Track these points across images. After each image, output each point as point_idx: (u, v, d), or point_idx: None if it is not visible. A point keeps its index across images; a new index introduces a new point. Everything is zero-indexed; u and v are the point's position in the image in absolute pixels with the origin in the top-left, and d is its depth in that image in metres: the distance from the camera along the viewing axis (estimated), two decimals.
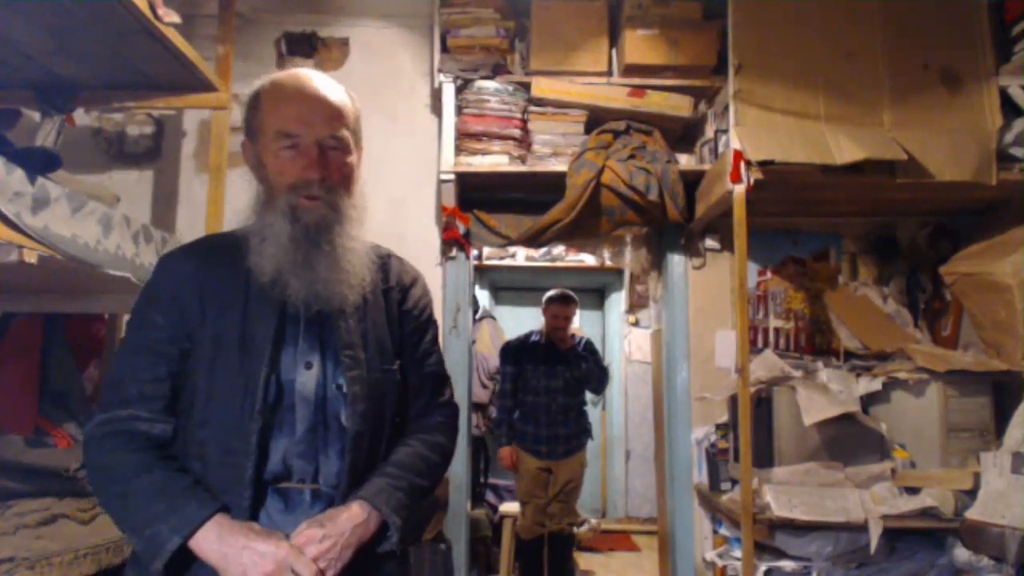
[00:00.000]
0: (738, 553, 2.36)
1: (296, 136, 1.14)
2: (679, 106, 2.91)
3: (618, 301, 5.87)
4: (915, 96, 2.49)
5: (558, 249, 5.25)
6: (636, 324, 5.59)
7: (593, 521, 4.90)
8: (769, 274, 2.98)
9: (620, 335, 5.84)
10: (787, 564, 2.26)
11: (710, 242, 3.01)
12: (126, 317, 2.66)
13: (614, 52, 3.00)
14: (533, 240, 2.88)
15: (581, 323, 6.26)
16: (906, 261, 2.98)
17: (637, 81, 2.92)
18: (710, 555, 2.66)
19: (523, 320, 5.59)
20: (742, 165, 2.29)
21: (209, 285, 1.16)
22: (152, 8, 2.04)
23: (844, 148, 2.32)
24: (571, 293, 3.90)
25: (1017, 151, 2.43)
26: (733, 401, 2.53)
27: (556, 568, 3.79)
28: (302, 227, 1.14)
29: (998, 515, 2.06)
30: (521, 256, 5.26)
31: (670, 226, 2.94)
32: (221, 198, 2.51)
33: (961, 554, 2.15)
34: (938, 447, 2.35)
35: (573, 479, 3.75)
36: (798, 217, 3.01)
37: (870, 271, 3.03)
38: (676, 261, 3.03)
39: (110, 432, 1.10)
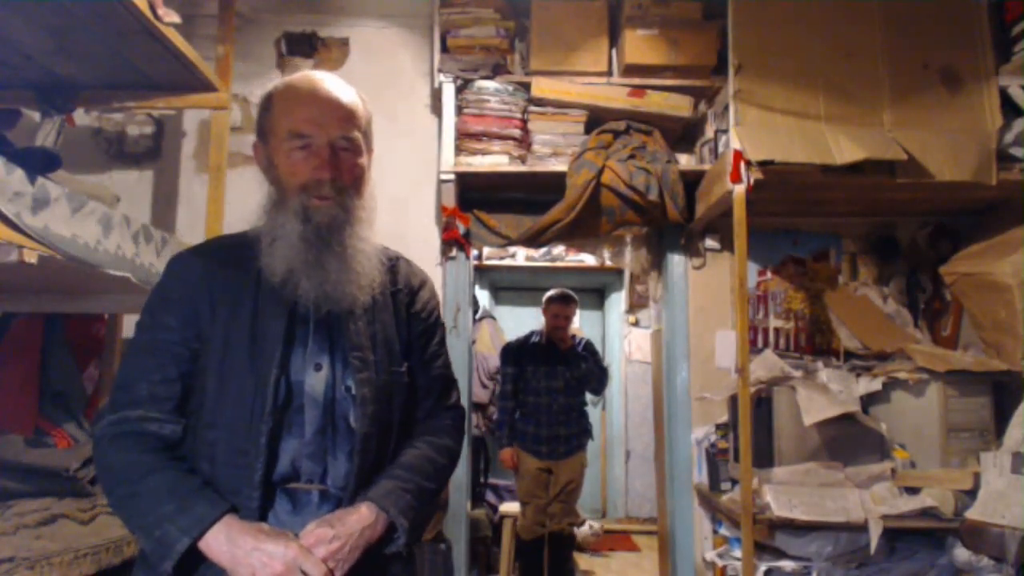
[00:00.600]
0: (738, 553, 2.36)
1: (308, 137, 1.15)
2: (679, 106, 2.91)
3: (618, 301, 5.87)
4: (915, 96, 2.49)
5: (558, 249, 5.25)
6: (636, 324, 5.59)
7: (596, 524, 4.89)
8: (769, 274, 2.98)
9: (620, 335, 5.84)
10: (787, 564, 2.26)
11: (710, 242, 3.01)
12: (126, 317, 2.68)
13: (614, 52, 3.00)
14: (533, 240, 2.88)
15: (581, 323, 6.26)
16: (906, 261, 2.98)
17: (637, 81, 2.92)
18: (710, 555, 2.66)
19: (523, 320, 5.59)
20: (742, 165, 2.29)
21: (220, 286, 1.16)
22: (152, 8, 2.04)
23: (844, 148, 2.32)
24: (571, 293, 3.90)
25: (1017, 151, 2.43)
26: (733, 401, 2.53)
27: (556, 568, 3.79)
28: (313, 227, 1.14)
29: (998, 515, 2.06)
30: (521, 256, 5.26)
31: (670, 226, 2.94)
32: (221, 198, 2.51)
33: (961, 554, 2.15)
34: (938, 447, 2.35)
35: (574, 479, 3.75)
36: (798, 217, 3.01)
37: (870, 271, 3.03)
38: (676, 261, 3.03)
39: (120, 432, 1.10)
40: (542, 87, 2.90)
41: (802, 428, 2.35)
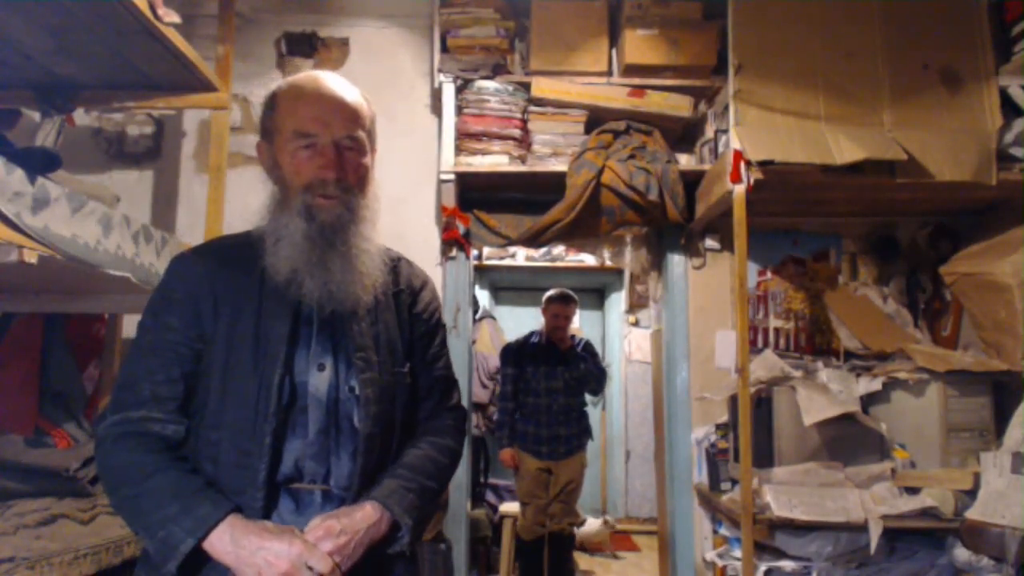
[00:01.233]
0: (738, 553, 2.36)
1: (313, 136, 1.15)
2: (679, 106, 2.91)
3: (618, 301, 5.87)
4: (915, 96, 2.49)
5: (558, 249, 5.25)
6: (636, 324, 5.59)
7: (609, 519, 4.84)
8: (769, 274, 2.98)
9: (620, 335, 5.84)
10: (787, 564, 2.26)
11: (710, 242, 3.01)
12: (126, 317, 2.68)
13: (614, 52, 3.00)
14: (533, 240, 2.88)
15: (581, 323, 6.26)
16: (906, 261, 2.98)
17: (637, 81, 2.92)
18: (710, 555, 2.66)
19: (523, 320, 5.59)
20: (742, 165, 2.29)
21: (223, 286, 1.16)
22: (152, 8, 2.04)
23: (844, 148, 2.32)
24: (571, 292, 3.90)
25: (1017, 151, 2.43)
26: (733, 401, 2.53)
27: (556, 568, 3.79)
28: (318, 226, 1.14)
29: (998, 515, 2.06)
30: (521, 256, 5.26)
31: (670, 226, 2.94)
32: (221, 198, 2.51)
33: (961, 554, 2.15)
34: (938, 447, 2.35)
35: (574, 479, 3.75)
36: (798, 217, 3.01)
37: (870, 271, 3.03)
38: (676, 261, 3.03)
39: (123, 433, 1.10)
40: (542, 87, 2.90)
41: (802, 428, 2.35)
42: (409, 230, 3.08)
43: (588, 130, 2.92)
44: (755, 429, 2.30)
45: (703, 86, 2.92)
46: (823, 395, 2.40)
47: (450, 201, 2.90)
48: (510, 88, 2.93)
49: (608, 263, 5.21)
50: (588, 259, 5.34)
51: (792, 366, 2.60)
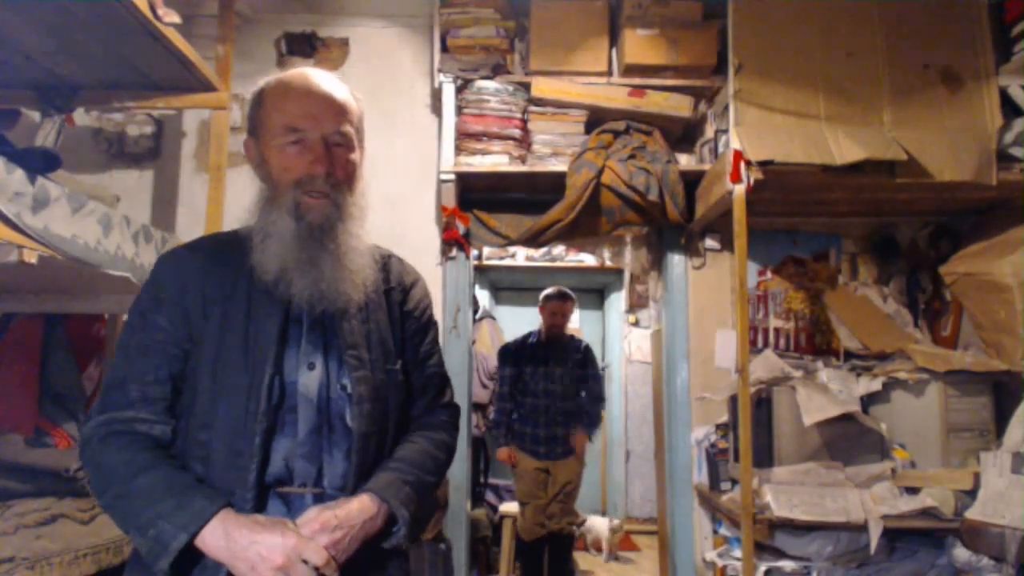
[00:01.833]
0: (738, 553, 2.36)
1: (302, 131, 1.14)
2: (679, 106, 2.91)
3: (618, 301, 5.87)
4: (915, 96, 2.49)
5: (558, 249, 5.25)
6: (636, 324, 5.58)
7: (615, 520, 4.74)
8: (769, 274, 2.98)
9: (620, 335, 5.84)
10: (787, 564, 2.26)
11: (710, 242, 3.01)
12: (126, 317, 2.68)
13: (614, 52, 3.00)
14: (533, 240, 2.88)
15: (581, 323, 6.26)
16: (906, 261, 2.98)
17: (637, 81, 2.92)
18: (710, 555, 2.66)
19: (523, 320, 5.58)
20: (742, 165, 2.29)
21: (211, 285, 1.15)
22: (152, 8, 2.04)
23: (844, 148, 2.32)
24: (568, 291, 3.90)
25: (1017, 151, 2.43)
26: (733, 401, 2.53)
27: (556, 568, 3.79)
28: (306, 225, 1.13)
29: (998, 515, 2.06)
30: (521, 256, 5.26)
31: (670, 226, 2.94)
32: (221, 198, 2.51)
33: (961, 554, 2.15)
34: (938, 447, 2.35)
35: (572, 480, 3.74)
36: (798, 217, 3.00)
37: (870, 271, 3.03)
38: (676, 261, 3.03)
39: (111, 432, 1.08)
40: (542, 87, 2.90)
41: (802, 428, 2.35)
42: (409, 230, 3.08)
43: (588, 130, 2.92)
44: (755, 429, 2.30)
45: (703, 86, 2.92)
46: (823, 395, 2.40)
47: (450, 201, 2.90)
48: (510, 88, 2.93)
49: (608, 263, 5.24)
50: (588, 259, 5.34)
51: (792, 366, 2.60)
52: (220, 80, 2.54)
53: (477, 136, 2.89)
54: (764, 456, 2.41)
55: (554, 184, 2.79)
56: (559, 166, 2.85)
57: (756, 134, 2.37)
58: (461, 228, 2.96)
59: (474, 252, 3.33)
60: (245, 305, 1.14)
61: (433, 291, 3.11)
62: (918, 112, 2.47)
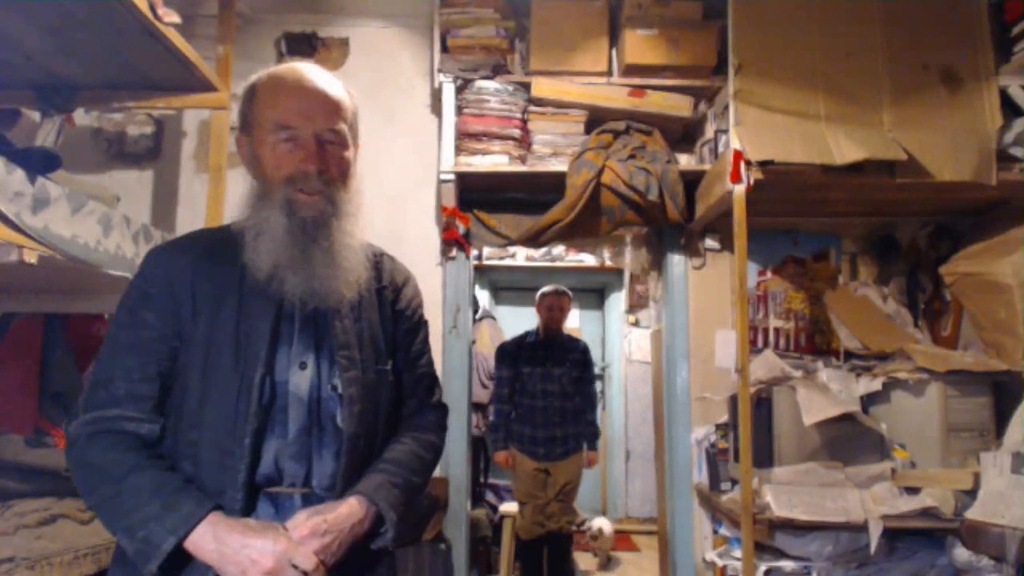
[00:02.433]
0: (738, 553, 2.36)
1: (294, 128, 1.13)
2: (679, 106, 2.91)
3: (618, 301, 5.87)
4: (915, 96, 2.49)
5: (558, 249, 5.25)
6: (636, 324, 5.59)
7: (606, 527, 4.56)
8: (769, 274, 2.98)
9: (620, 335, 5.84)
10: (787, 564, 2.26)
11: (710, 242, 3.01)
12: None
13: (614, 52, 3.00)
14: (533, 240, 2.88)
15: (581, 323, 6.26)
16: (906, 261, 2.98)
17: (637, 81, 2.92)
18: (710, 555, 2.66)
19: (523, 320, 5.58)
20: (742, 165, 2.29)
21: (202, 282, 1.13)
22: (152, 8, 2.04)
23: (844, 148, 2.32)
24: (564, 288, 3.89)
25: (1017, 151, 2.43)
26: (733, 401, 2.53)
27: (556, 568, 3.79)
28: (299, 221, 1.12)
29: (998, 515, 2.06)
30: (521, 256, 5.26)
31: (670, 226, 2.94)
32: (221, 198, 2.51)
33: (961, 554, 2.15)
34: (938, 447, 2.35)
35: (571, 480, 3.73)
36: (798, 217, 3.01)
37: (870, 271, 3.03)
38: (676, 261, 3.03)
39: (97, 432, 1.07)
40: (542, 87, 2.90)
41: (802, 428, 2.35)
42: (409, 230, 3.08)
43: (588, 130, 2.92)
44: (755, 429, 2.30)
45: (703, 86, 2.92)
46: (823, 395, 2.40)
47: (450, 201, 2.90)
48: (510, 88, 2.93)
49: (608, 263, 5.24)
50: (588, 259, 5.35)
51: (792, 366, 2.60)
52: (220, 80, 2.54)
53: (477, 136, 2.89)
54: (764, 456, 2.41)
55: (554, 184, 2.79)
56: (559, 166, 2.85)
57: (756, 134, 2.37)
58: (461, 228, 2.96)
59: (474, 252, 3.33)
60: (236, 303, 1.12)
61: (433, 291, 3.14)
62: (918, 112, 2.47)
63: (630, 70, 2.91)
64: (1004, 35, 2.51)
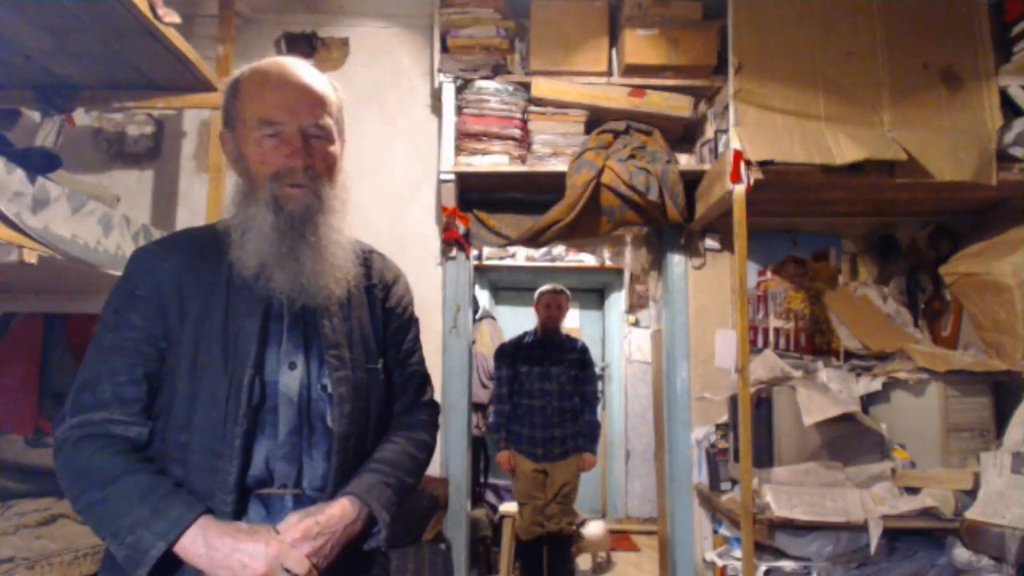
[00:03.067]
0: (738, 553, 2.36)
1: (279, 124, 1.11)
2: (679, 106, 2.91)
3: (618, 301, 5.87)
4: (915, 96, 2.49)
5: (558, 249, 5.25)
6: (636, 324, 5.59)
7: (593, 530, 4.47)
8: (769, 274, 2.98)
9: (620, 335, 5.84)
10: (787, 564, 2.26)
11: (710, 242, 3.01)
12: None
13: (614, 52, 3.00)
14: (533, 240, 2.88)
15: (581, 323, 6.26)
16: (906, 261, 2.98)
17: (637, 81, 2.92)
18: (710, 555, 2.66)
19: (523, 320, 5.58)
20: (742, 165, 2.29)
21: (189, 282, 1.11)
22: (152, 8, 2.05)
23: (844, 148, 2.32)
24: (561, 287, 3.89)
25: (1017, 151, 2.43)
26: (733, 401, 2.53)
27: (556, 568, 3.79)
28: (286, 216, 1.10)
29: (998, 515, 2.06)
30: (521, 256, 5.26)
31: (670, 226, 2.94)
32: (221, 198, 2.51)
33: (961, 554, 2.15)
34: (938, 447, 2.35)
35: (569, 482, 3.72)
36: (798, 217, 3.01)
37: (870, 271, 3.03)
38: (676, 261, 3.04)
39: (85, 435, 1.05)
40: (542, 87, 2.90)
41: (802, 428, 2.35)
42: (409, 230, 3.08)
43: (588, 130, 2.92)
44: (755, 429, 2.30)
45: (703, 86, 2.92)
46: (823, 395, 2.40)
47: (450, 201, 2.90)
48: (510, 88, 2.93)
49: (608, 263, 5.26)
50: (588, 259, 5.35)
51: (792, 366, 2.60)
52: (220, 80, 2.54)
53: (477, 136, 2.89)
54: (764, 456, 2.41)
55: (554, 184, 2.79)
56: (559, 166, 2.85)
57: (756, 134, 2.38)
58: (461, 228, 2.96)
59: (474, 252, 3.33)
60: (224, 303, 1.11)
61: (433, 291, 3.14)
62: (918, 112, 2.48)
63: (630, 70, 2.91)
64: (1004, 35, 2.52)
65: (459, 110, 2.93)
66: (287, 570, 0.99)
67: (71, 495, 1.04)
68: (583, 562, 4.63)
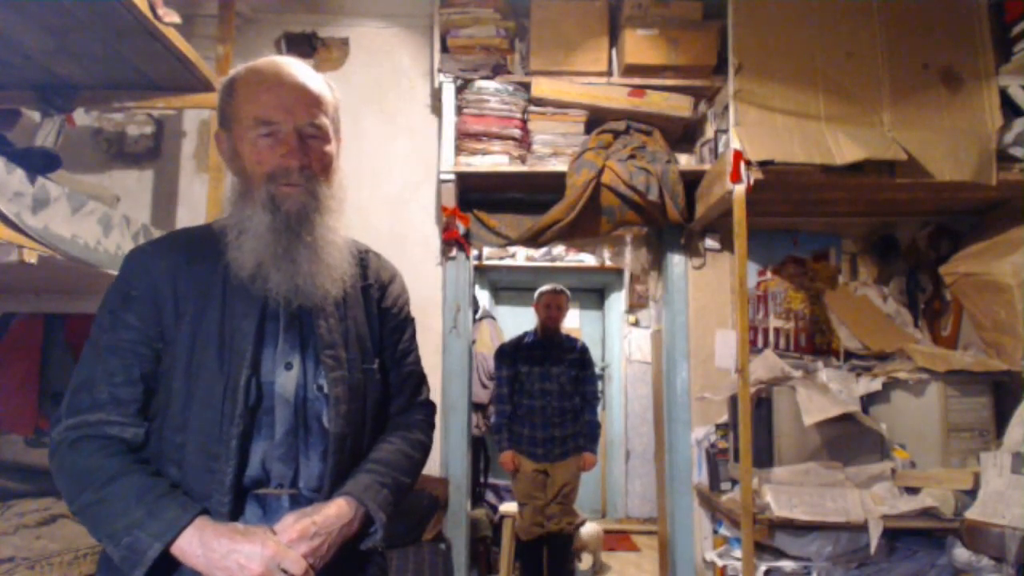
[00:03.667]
0: (738, 553, 2.36)
1: (274, 123, 1.10)
2: (679, 106, 2.91)
3: (618, 301, 5.88)
4: (915, 96, 2.49)
5: (558, 249, 5.25)
6: (636, 324, 5.59)
7: (586, 531, 4.37)
8: (769, 274, 2.98)
9: (620, 335, 5.84)
10: (787, 564, 2.26)
11: (710, 242, 3.01)
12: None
13: (614, 52, 3.00)
14: (533, 240, 2.88)
15: (581, 323, 6.26)
16: (906, 261, 2.98)
17: (637, 81, 2.92)
18: (710, 555, 2.66)
19: (523, 320, 5.58)
20: (742, 165, 2.29)
21: (185, 282, 1.11)
22: (152, 8, 2.05)
23: (844, 148, 2.32)
24: (561, 287, 3.89)
25: (1017, 151, 2.43)
26: (733, 401, 2.53)
27: (556, 568, 3.79)
28: (283, 216, 1.10)
29: (998, 515, 2.06)
30: (521, 256, 5.26)
31: (670, 226, 2.95)
32: (221, 198, 2.51)
33: (961, 554, 2.15)
34: (938, 447, 2.35)
35: (569, 482, 3.72)
36: (798, 217, 3.00)
37: (870, 271, 3.03)
38: (676, 261, 3.04)
39: (81, 436, 1.05)
40: (542, 87, 2.90)
41: (802, 428, 2.35)
42: (409, 230, 3.08)
43: (588, 130, 2.92)
44: (755, 429, 2.30)
45: (703, 86, 2.92)
46: (823, 395, 2.40)
47: (450, 201, 2.90)
48: (510, 88, 2.93)
49: (608, 263, 5.25)
50: (588, 259, 5.35)
51: (792, 366, 2.60)
52: (220, 80, 2.53)
53: (477, 136, 2.89)
54: (764, 456, 2.41)
55: (554, 184, 2.79)
56: (559, 166, 2.85)
57: (756, 134, 2.37)
58: (461, 228, 2.96)
59: (474, 252, 3.33)
60: (219, 303, 1.11)
61: (433, 291, 3.14)
62: (918, 112, 2.47)
63: (630, 70, 2.91)
64: (1004, 35, 2.51)
65: (459, 110, 2.93)
66: (284, 571, 0.98)
67: (67, 496, 1.04)
68: (583, 562, 4.63)
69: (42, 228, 1.67)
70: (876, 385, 2.52)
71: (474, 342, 4.05)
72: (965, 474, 2.23)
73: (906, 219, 2.98)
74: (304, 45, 3.19)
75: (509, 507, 4.02)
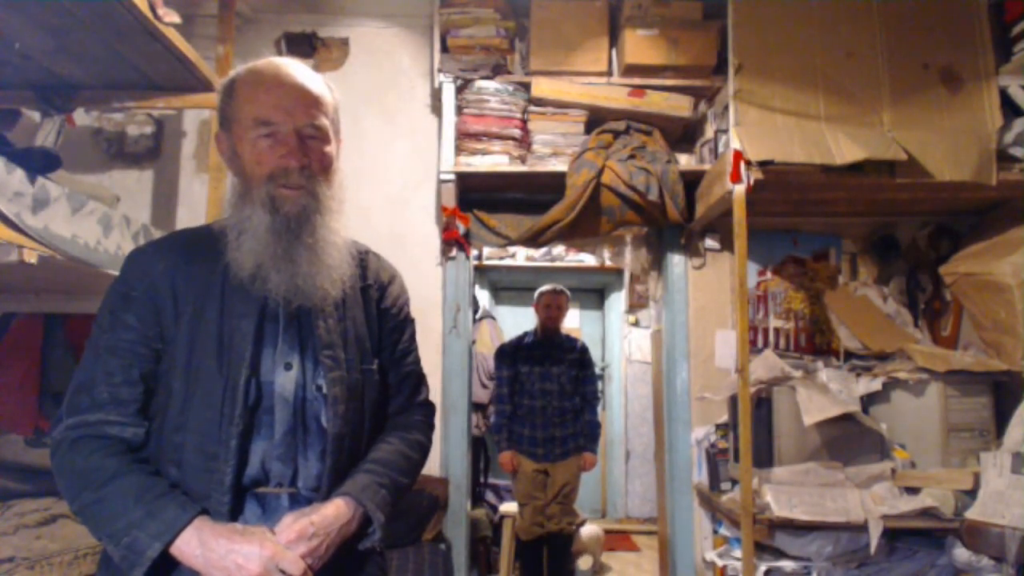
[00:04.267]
0: (738, 553, 2.36)
1: (274, 124, 1.11)
2: (679, 106, 2.91)
3: (618, 301, 5.87)
4: (915, 96, 2.49)
5: (558, 249, 5.25)
6: (636, 324, 5.59)
7: (585, 532, 4.38)
8: (769, 274, 2.98)
9: (620, 335, 5.84)
10: (787, 564, 2.26)
11: (710, 242, 3.01)
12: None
13: (614, 52, 3.00)
14: (533, 240, 2.88)
15: (581, 323, 6.26)
16: (906, 261, 2.98)
17: (637, 81, 2.92)
18: (710, 555, 2.66)
19: (523, 320, 5.58)
20: (742, 165, 2.29)
21: (184, 283, 1.12)
22: (152, 8, 2.05)
23: (844, 148, 2.32)
24: (561, 287, 3.89)
25: (1017, 151, 2.43)
26: (733, 401, 2.53)
27: (556, 568, 3.79)
28: (282, 218, 1.10)
29: (998, 515, 2.06)
30: (521, 256, 5.26)
31: (670, 226, 2.95)
32: (221, 198, 2.51)
33: (961, 554, 2.15)
34: (938, 447, 2.35)
35: (570, 482, 3.72)
36: (798, 217, 3.01)
37: (870, 271, 3.03)
38: (676, 261, 3.04)
39: (81, 436, 1.06)
40: (542, 87, 2.90)
41: (802, 428, 2.35)
42: (409, 230, 3.08)
43: (588, 130, 2.92)
44: (755, 429, 2.30)
45: (703, 86, 2.92)
46: (823, 395, 2.40)
47: (450, 201, 2.90)
48: (510, 88, 2.93)
49: (608, 263, 5.25)
50: (588, 259, 5.34)
51: (792, 366, 2.60)
52: (220, 80, 2.54)
53: (477, 136, 2.89)
54: (764, 456, 2.41)
55: (554, 184, 2.79)
56: (559, 166, 2.85)
57: (756, 134, 2.37)
58: (461, 228, 2.96)
59: (474, 252, 3.33)
60: (219, 303, 1.11)
61: (433, 291, 3.14)
62: (918, 112, 2.47)
63: (630, 70, 2.91)
64: (1004, 35, 2.51)
65: (459, 110, 2.93)
66: (282, 571, 0.99)
67: (67, 496, 1.05)
68: (583, 563, 4.63)
69: (42, 228, 1.67)
70: (876, 385, 2.52)
71: (474, 342, 4.05)
72: (965, 474, 2.23)
73: (906, 219, 2.98)
74: (304, 45, 3.20)
75: (509, 507, 4.01)
